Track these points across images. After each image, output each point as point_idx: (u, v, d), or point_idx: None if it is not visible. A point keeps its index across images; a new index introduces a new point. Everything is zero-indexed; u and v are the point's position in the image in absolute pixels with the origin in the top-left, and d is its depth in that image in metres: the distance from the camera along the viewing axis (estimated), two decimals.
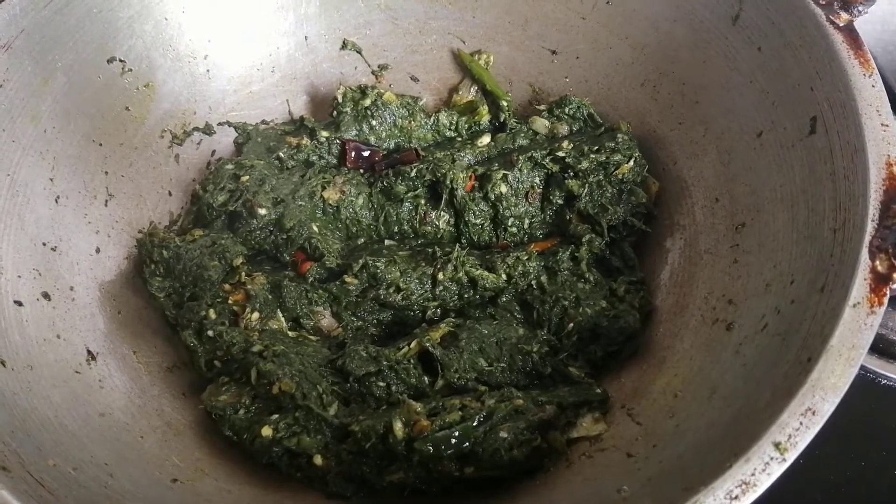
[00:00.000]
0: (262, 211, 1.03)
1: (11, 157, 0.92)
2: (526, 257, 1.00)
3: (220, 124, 1.17)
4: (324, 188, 1.07)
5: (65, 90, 0.98)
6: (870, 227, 0.73)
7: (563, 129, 1.12)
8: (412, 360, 0.92)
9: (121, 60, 1.04)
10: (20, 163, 0.93)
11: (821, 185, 0.82)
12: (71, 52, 0.98)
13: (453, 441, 0.80)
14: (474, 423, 0.81)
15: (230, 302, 0.98)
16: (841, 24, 0.86)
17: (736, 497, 0.62)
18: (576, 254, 1.01)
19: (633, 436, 0.82)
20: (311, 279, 1.00)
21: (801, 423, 0.66)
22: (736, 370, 0.79)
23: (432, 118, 1.15)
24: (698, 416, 0.78)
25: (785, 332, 0.76)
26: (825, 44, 0.85)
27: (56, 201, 0.97)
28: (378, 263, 0.98)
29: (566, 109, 1.12)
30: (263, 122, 1.20)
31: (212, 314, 0.96)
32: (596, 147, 1.05)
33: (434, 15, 1.17)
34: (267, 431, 0.85)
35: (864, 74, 0.82)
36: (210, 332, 0.94)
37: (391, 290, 0.98)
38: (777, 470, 0.64)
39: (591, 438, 0.85)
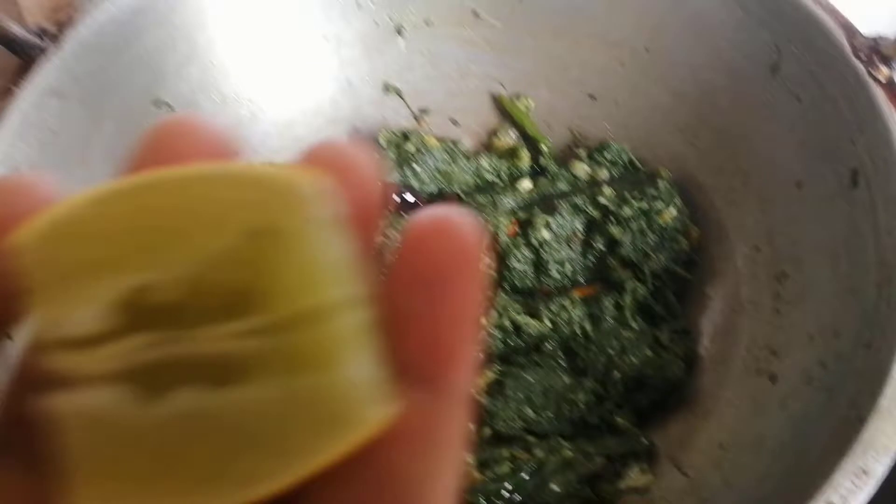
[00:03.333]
0: None
1: None
2: (570, 304, 1.01)
3: None
4: None
5: (114, 135, 0.99)
6: None
7: (604, 174, 1.13)
8: None
9: (167, 104, 1.06)
10: None
11: (863, 239, 0.83)
12: (120, 98, 0.99)
13: (505, 494, 0.81)
14: (526, 476, 0.82)
15: None
16: (883, 81, 0.87)
17: None
18: (620, 301, 1.02)
19: (682, 488, 0.83)
20: None
21: (853, 484, 0.67)
22: (783, 423, 0.80)
23: (472, 162, 1.16)
24: (746, 470, 0.79)
25: (831, 387, 0.77)
26: (866, 99, 0.86)
27: None
28: None
29: (606, 155, 1.12)
30: None
31: None
32: (638, 194, 1.06)
33: (474, 59, 1.18)
34: None
35: None
36: None
37: None
38: None
39: (639, 490, 0.86)
